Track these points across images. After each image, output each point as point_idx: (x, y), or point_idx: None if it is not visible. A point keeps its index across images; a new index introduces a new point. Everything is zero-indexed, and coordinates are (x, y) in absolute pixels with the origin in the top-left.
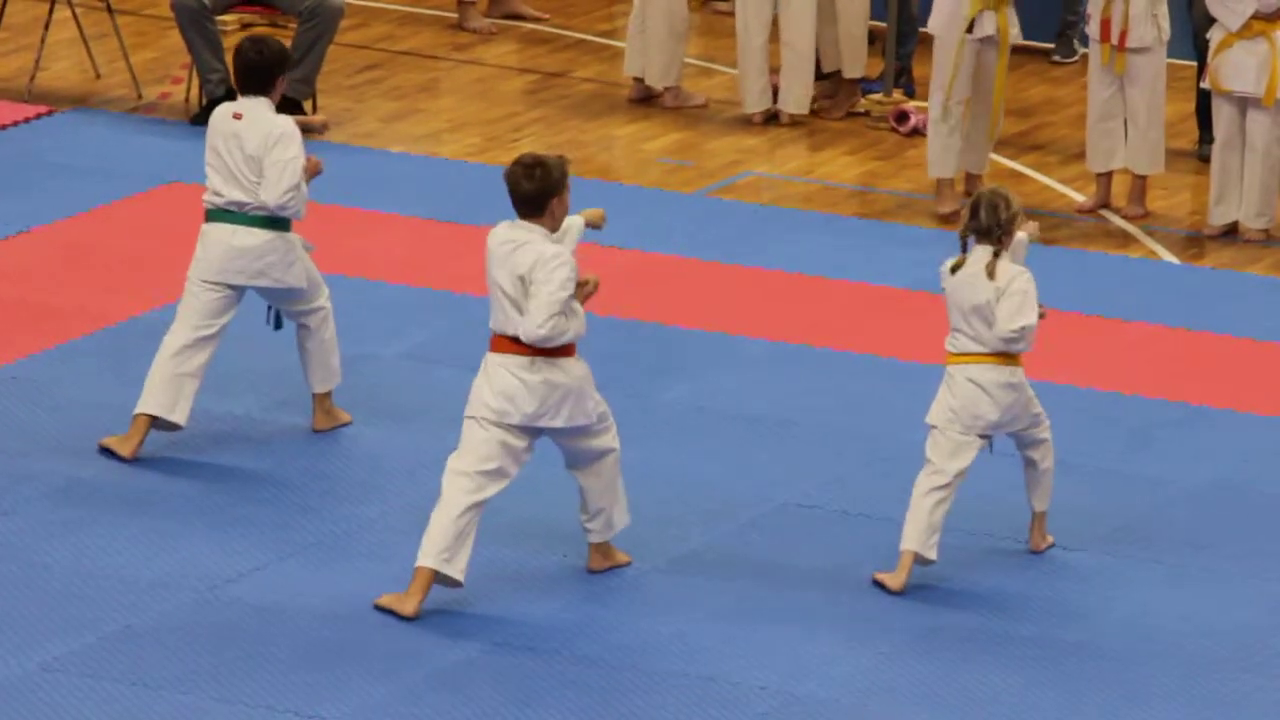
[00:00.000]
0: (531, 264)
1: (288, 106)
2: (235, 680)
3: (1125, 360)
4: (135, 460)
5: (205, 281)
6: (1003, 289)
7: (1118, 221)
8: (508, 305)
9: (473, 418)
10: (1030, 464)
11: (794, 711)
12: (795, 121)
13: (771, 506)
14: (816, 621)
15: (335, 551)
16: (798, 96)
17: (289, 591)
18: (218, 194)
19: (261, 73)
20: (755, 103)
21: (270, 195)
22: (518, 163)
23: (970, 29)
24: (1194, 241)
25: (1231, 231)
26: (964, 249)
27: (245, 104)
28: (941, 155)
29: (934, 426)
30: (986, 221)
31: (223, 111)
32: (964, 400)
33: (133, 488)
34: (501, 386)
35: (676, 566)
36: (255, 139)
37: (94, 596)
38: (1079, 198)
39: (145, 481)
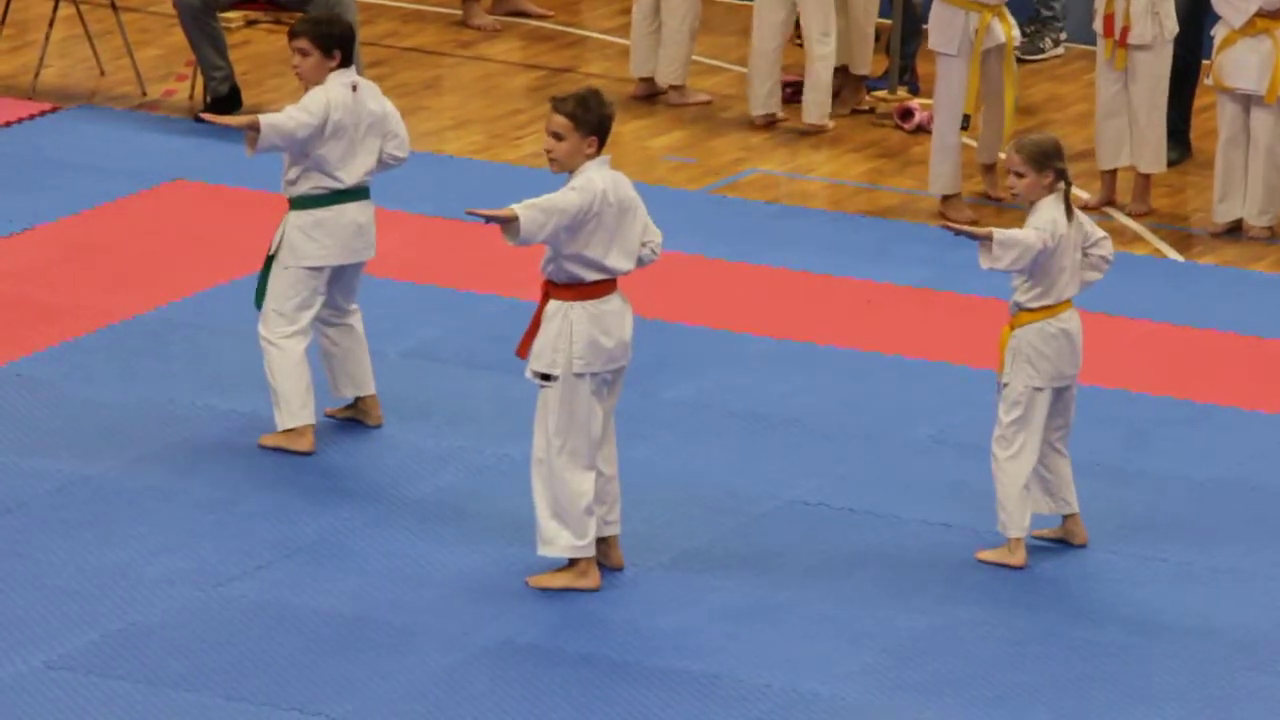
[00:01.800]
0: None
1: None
2: (239, 678)
3: (1129, 358)
4: (138, 459)
5: (316, 269)
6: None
7: (1121, 219)
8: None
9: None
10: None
11: (797, 710)
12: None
13: (775, 504)
14: (821, 619)
15: (339, 549)
16: (817, 104)
17: (293, 589)
18: (337, 178)
19: (353, 43)
20: (760, 105)
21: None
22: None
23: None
24: (1198, 239)
25: (1235, 229)
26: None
27: (349, 76)
28: (952, 174)
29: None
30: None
31: (342, 90)
32: None
33: (136, 485)
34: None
35: (680, 564)
36: (373, 101)
37: (98, 594)
38: (1083, 195)
39: (149, 479)
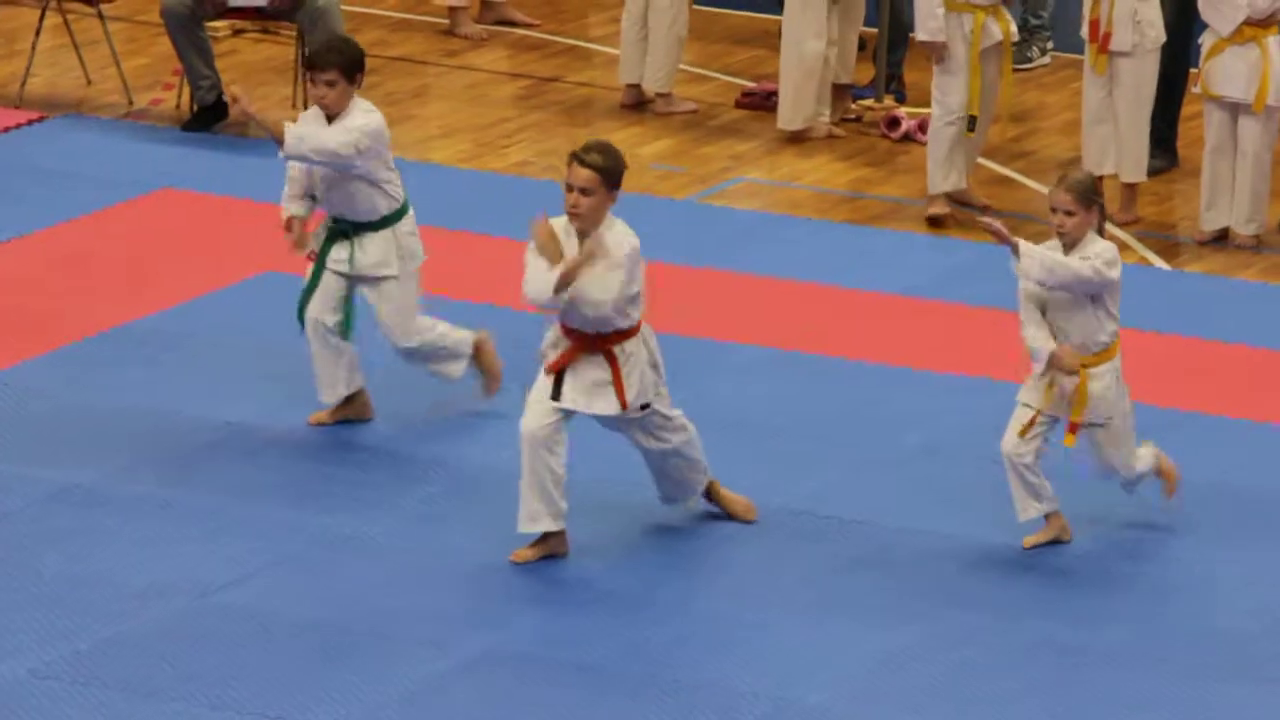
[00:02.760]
0: None
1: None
2: (226, 686)
3: None
4: (126, 467)
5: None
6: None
7: (1108, 227)
8: None
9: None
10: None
11: (785, 717)
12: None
13: (762, 512)
14: (807, 627)
15: (326, 558)
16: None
17: (280, 598)
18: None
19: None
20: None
21: None
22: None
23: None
24: (1184, 247)
25: (1222, 237)
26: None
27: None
28: (949, 171)
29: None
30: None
31: (372, 113)
32: None
33: (125, 494)
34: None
35: (666, 572)
36: None
37: (86, 602)
38: None
39: (137, 488)
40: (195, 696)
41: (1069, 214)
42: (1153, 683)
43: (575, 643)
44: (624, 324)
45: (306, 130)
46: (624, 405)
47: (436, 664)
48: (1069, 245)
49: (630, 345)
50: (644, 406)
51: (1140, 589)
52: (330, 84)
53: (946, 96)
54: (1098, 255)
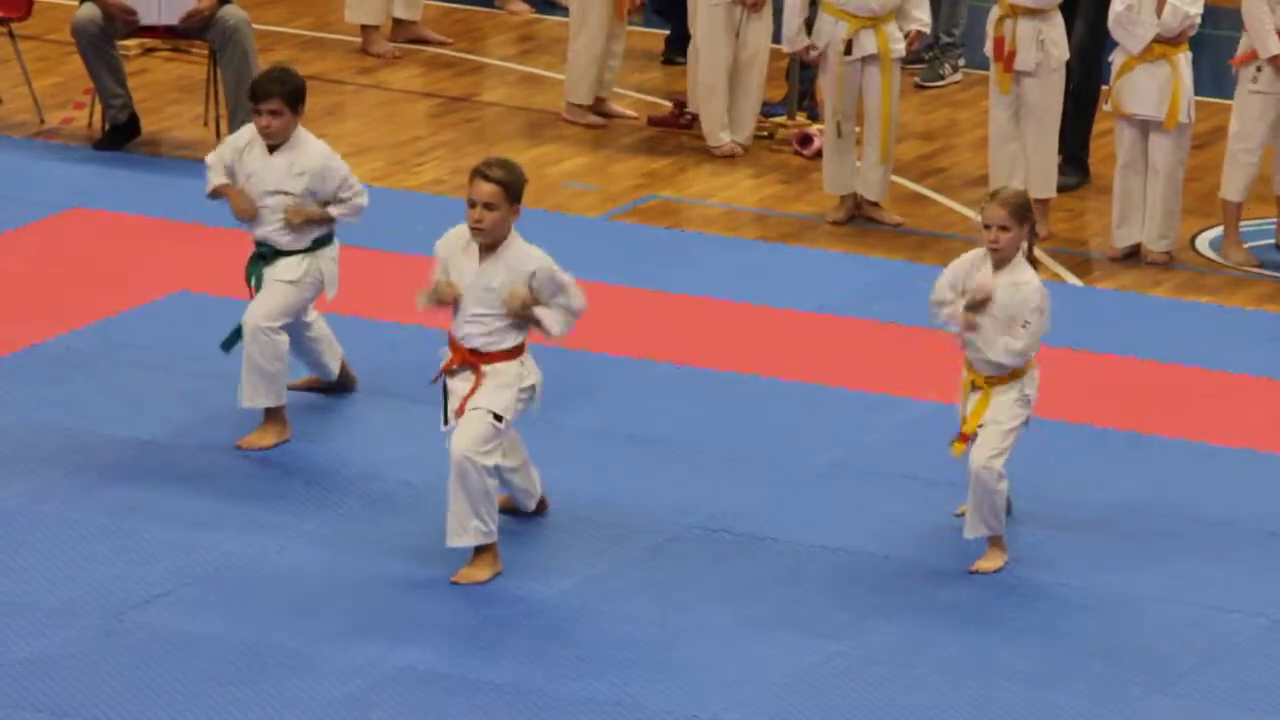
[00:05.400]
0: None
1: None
2: (141, 708)
3: None
4: (39, 486)
5: None
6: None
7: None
8: None
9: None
10: None
11: None
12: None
13: (677, 530)
14: (722, 645)
15: (240, 576)
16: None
17: (195, 617)
18: None
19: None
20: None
21: None
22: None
23: (848, 50)
24: (1097, 264)
25: (1134, 254)
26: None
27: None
28: (834, 174)
29: None
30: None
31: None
32: None
33: (37, 513)
34: None
35: (581, 590)
36: None
37: None
38: (977, 218)
39: (50, 507)
40: (112, 718)
41: (1003, 229)
42: (1064, 700)
43: (490, 661)
44: (510, 344)
45: (354, 206)
46: (451, 416)
47: (352, 683)
48: (1000, 263)
49: (501, 365)
50: (498, 418)
51: (1055, 605)
52: (275, 113)
53: (826, 99)
54: (1036, 308)
